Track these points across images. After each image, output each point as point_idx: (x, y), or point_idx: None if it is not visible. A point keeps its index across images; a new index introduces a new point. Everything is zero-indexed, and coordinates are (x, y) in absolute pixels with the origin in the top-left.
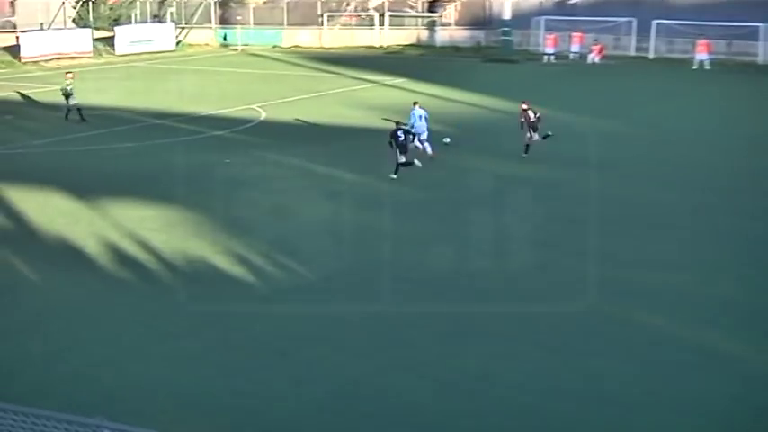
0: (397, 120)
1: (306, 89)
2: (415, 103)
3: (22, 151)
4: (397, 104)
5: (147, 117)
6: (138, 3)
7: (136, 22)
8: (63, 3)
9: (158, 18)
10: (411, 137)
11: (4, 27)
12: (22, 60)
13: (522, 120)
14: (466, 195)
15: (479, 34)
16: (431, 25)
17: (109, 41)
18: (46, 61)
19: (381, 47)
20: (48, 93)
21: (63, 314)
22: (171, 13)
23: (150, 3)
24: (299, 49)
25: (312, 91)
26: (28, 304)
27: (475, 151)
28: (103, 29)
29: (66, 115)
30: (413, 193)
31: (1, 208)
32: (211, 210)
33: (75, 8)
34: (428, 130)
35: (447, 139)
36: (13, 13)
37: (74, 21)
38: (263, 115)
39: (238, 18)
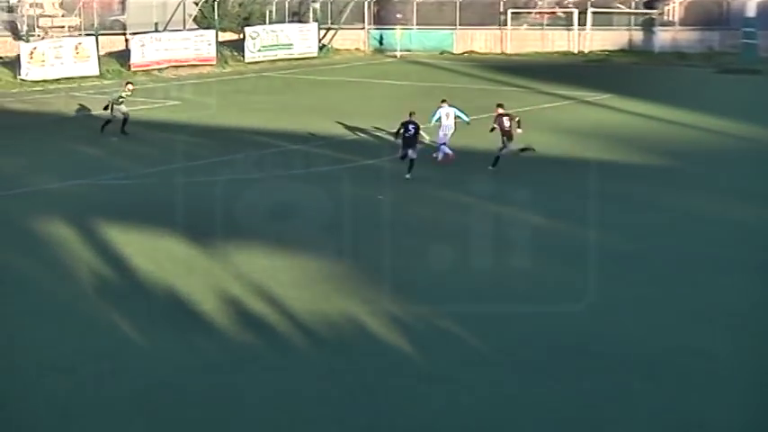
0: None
1: (481, 107)
2: (443, 101)
3: (126, 181)
4: (599, 127)
5: (281, 141)
6: None
7: (270, 22)
8: None
9: (299, 17)
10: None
11: (111, 27)
12: (132, 69)
13: (495, 126)
14: (697, 248)
15: (712, 36)
16: (647, 25)
17: (236, 46)
18: (159, 70)
19: (581, 53)
20: (158, 110)
21: (174, 388)
22: (314, 10)
23: None
24: (475, 56)
25: (489, 109)
26: (132, 375)
27: (705, 189)
28: (230, 30)
29: (103, 127)
30: (622, 243)
31: (100, 251)
32: (360, 259)
33: (197, 4)
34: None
35: (380, 197)
36: (123, 10)
37: (195, 20)
38: (426, 139)
39: (398, 17)
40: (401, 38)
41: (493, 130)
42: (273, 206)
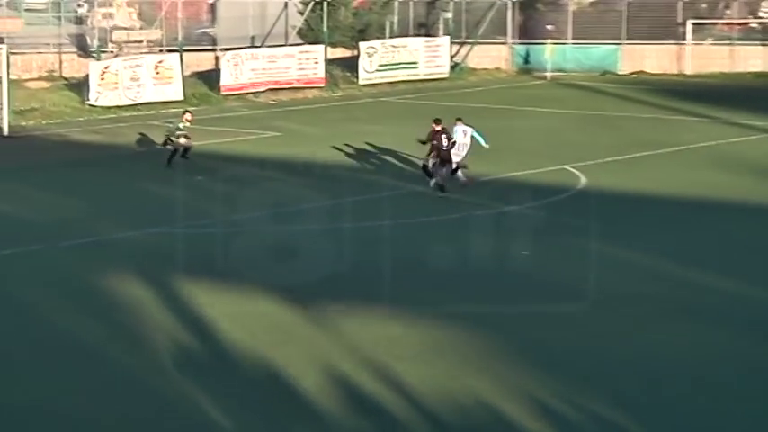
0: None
1: (653, 141)
2: (458, 120)
3: (212, 230)
4: None
5: (402, 180)
6: (396, 4)
7: (391, 36)
8: (285, 5)
9: (426, 29)
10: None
11: (199, 42)
12: (222, 92)
13: (434, 142)
14: None
15: None
16: None
17: (348, 64)
18: (255, 94)
19: None
20: (253, 142)
21: None
22: (446, 21)
23: (415, 3)
24: (645, 78)
25: (663, 144)
26: None
27: None
28: (342, 45)
29: (170, 160)
30: None
31: (180, 314)
32: (493, 328)
33: (302, 14)
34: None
35: (524, 252)
36: (213, 21)
37: (299, 33)
38: (581, 181)
39: (549, 29)
40: (552, 55)
41: (432, 150)
42: (391, 262)
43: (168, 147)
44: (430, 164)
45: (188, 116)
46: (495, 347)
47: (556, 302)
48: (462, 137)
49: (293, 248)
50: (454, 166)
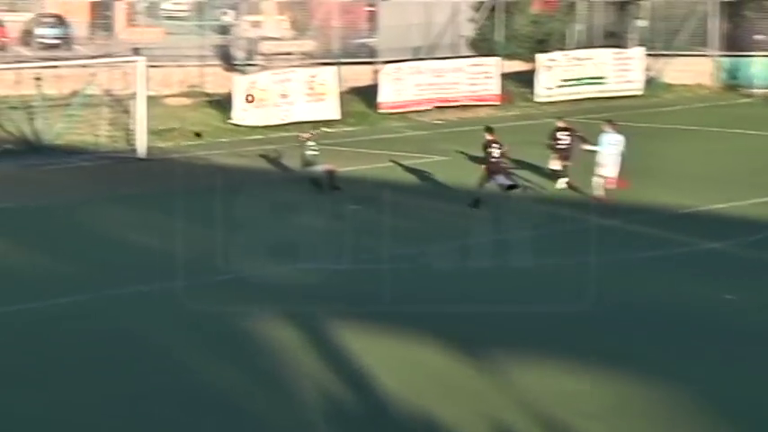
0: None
1: None
2: (609, 123)
3: (368, 266)
4: None
5: (581, 211)
6: (581, 10)
7: (575, 47)
8: (454, 12)
9: (616, 38)
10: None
11: (356, 54)
12: (381, 110)
13: (490, 151)
14: None
15: None
16: None
17: (525, 79)
18: (419, 113)
19: None
20: (417, 168)
21: None
22: (639, 29)
23: (604, 9)
24: None
25: None
26: None
27: None
28: (518, 57)
29: (320, 184)
30: None
31: (330, 361)
32: (702, 384)
33: (473, 21)
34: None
35: (729, 296)
36: (373, 31)
37: (470, 44)
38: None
39: (758, 39)
40: (763, 69)
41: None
42: (575, 305)
43: (311, 172)
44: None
45: (306, 136)
46: (702, 406)
47: (760, 350)
48: (608, 146)
49: (461, 288)
50: (505, 180)
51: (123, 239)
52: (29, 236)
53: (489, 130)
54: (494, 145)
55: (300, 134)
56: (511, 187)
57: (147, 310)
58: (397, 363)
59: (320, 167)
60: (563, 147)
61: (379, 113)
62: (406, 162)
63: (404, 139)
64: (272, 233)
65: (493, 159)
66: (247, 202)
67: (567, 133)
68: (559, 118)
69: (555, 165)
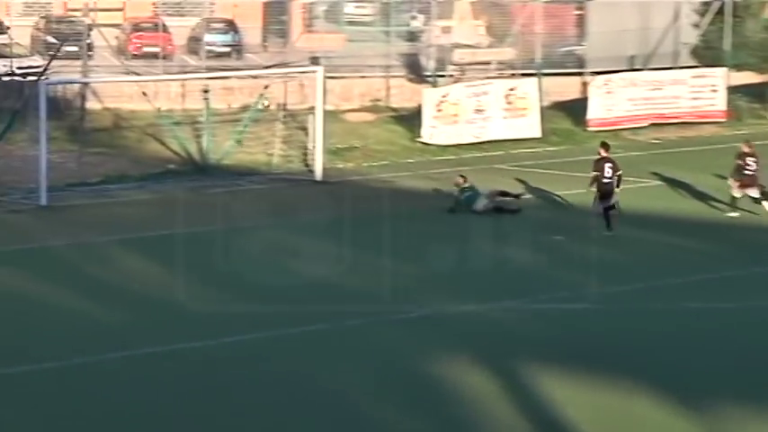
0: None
1: None
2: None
3: (574, 306)
4: None
5: None
6: None
7: None
8: (676, 16)
9: None
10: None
11: (562, 64)
12: (590, 127)
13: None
14: None
15: None
16: None
17: (757, 92)
18: (633, 131)
19: None
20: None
21: None
22: None
23: None
24: None
25: None
26: None
27: None
28: (749, 68)
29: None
30: None
31: (534, 411)
32: None
33: (697, 27)
34: None
35: None
36: (581, 38)
37: (693, 53)
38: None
39: None
40: None
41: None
42: None
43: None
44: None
45: (460, 180)
46: None
47: None
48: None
49: (680, 331)
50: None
51: (298, 271)
52: (195, 266)
53: (605, 145)
54: (749, 158)
55: (457, 178)
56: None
57: (323, 348)
58: (604, 415)
59: (486, 194)
60: (749, 173)
61: (587, 131)
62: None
63: (618, 160)
64: (465, 265)
65: (748, 173)
66: (436, 231)
67: (753, 159)
68: (746, 141)
69: (736, 192)
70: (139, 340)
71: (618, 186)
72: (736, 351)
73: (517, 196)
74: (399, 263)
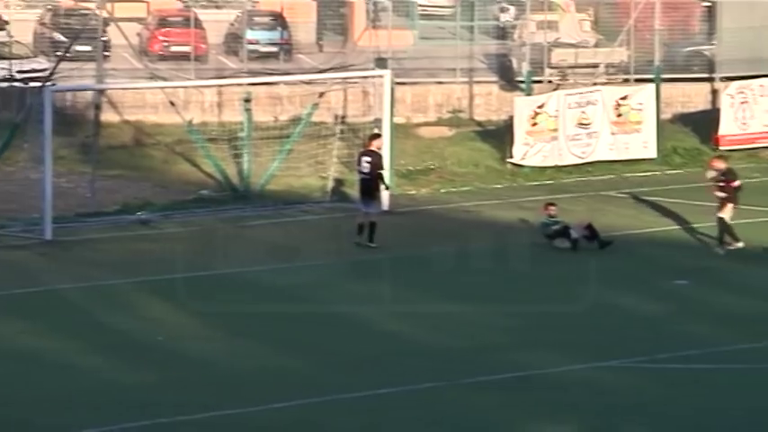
0: None
1: None
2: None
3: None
4: None
5: None
6: None
7: None
8: None
9: None
10: None
11: (686, 67)
12: (720, 145)
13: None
14: None
15: None
16: None
17: None
18: None
19: None
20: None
21: None
22: None
23: None
24: None
25: None
26: None
27: None
28: None
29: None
30: None
31: None
32: None
33: None
34: None
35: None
36: (710, 35)
37: None
38: None
39: None
40: None
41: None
42: None
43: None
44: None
45: (552, 209)
46: None
47: None
48: None
49: None
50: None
51: (361, 323)
52: (233, 314)
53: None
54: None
55: (548, 207)
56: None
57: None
58: None
59: (575, 229)
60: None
61: (718, 151)
62: (756, 219)
63: (753, 186)
64: (561, 316)
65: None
66: (534, 273)
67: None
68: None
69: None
70: (166, 405)
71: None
72: None
73: (605, 244)
74: (482, 309)
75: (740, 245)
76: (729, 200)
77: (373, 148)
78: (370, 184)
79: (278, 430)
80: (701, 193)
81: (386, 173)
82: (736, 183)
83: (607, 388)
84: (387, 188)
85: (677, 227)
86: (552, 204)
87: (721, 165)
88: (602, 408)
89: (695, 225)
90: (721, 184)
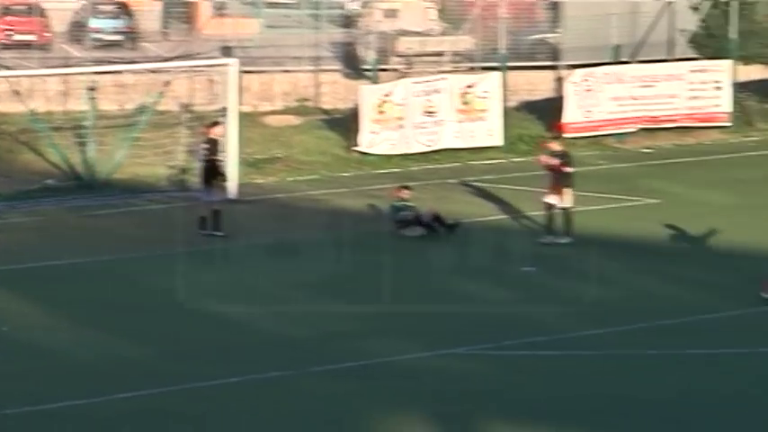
0: None
1: None
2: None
3: (552, 353)
4: None
5: None
6: None
7: None
8: None
9: None
10: None
11: (531, 55)
12: (566, 133)
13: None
14: None
15: None
16: None
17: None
18: (619, 137)
19: None
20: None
21: None
22: None
23: None
24: None
25: None
26: None
27: None
28: (761, 60)
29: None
30: None
31: None
32: None
33: (696, 10)
34: None
35: None
36: (554, 24)
37: (692, 42)
38: None
39: None
40: None
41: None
42: None
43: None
44: None
45: (405, 193)
46: None
47: None
48: None
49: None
50: None
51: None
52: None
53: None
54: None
55: (401, 190)
56: None
57: (241, 402)
58: None
59: (424, 216)
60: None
61: (563, 138)
62: (600, 206)
63: (597, 173)
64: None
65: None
66: (379, 261)
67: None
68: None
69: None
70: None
71: None
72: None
73: (452, 227)
74: (329, 298)
75: (565, 240)
76: (567, 185)
77: (212, 135)
78: (209, 171)
79: (123, 420)
80: (546, 179)
81: (226, 161)
82: (570, 168)
83: (457, 375)
84: (223, 179)
85: (524, 214)
86: (407, 188)
87: (557, 147)
88: (455, 395)
89: (542, 212)
90: (556, 167)
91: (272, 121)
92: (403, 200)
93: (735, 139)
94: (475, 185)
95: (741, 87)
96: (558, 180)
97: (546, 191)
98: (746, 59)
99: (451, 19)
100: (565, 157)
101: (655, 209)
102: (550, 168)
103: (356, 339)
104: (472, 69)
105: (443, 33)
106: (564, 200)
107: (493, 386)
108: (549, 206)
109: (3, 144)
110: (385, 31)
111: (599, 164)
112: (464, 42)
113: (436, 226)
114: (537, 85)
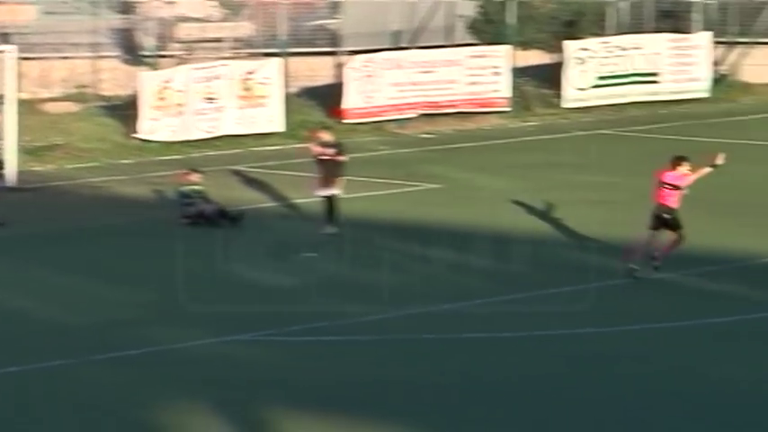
0: None
1: None
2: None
3: (329, 338)
4: None
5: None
6: None
7: (617, 31)
8: None
9: (674, 20)
10: None
11: (312, 42)
12: (346, 119)
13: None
14: None
15: None
16: None
17: (548, 77)
18: (400, 122)
19: None
20: (400, 198)
21: None
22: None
23: None
24: None
25: None
26: None
27: None
28: (538, 47)
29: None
30: None
31: None
32: None
33: None
34: None
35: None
36: (334, 10)
37: (471, 28)
38: None
39: None
40: None
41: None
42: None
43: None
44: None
45: (195, 177)
46: None
47: None
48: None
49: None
50: None
51: None
52: None
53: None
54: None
55: (190, 173)
56: None
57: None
58: None
59: (210, 208)
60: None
61: (343, 124)
62: (381, 191)
63: (378, 158)
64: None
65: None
66: (154, 247)
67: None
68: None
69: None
70: None
71: None
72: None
73: (236, 219)
74: (111, 287)
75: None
76: (339, 174)
77: None
78: None
79: None
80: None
81: (4, 149)
82: (344, 157)
83: (242, 361)
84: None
85: (305, 199)
86: (197, 171)
87: (328, 136)
88: (242, 382)
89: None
90: (328, 157)
91: (51, 108)
92: (192, 183)
93: (514, 124)
94: (256, 172)
95: (519, 72)
96: (331, 170)
97: (318, 183)
98: (524, 45)
99: (231, 5)
100: (338, 147)
101: (435, 194)
102: (323, 159)
103: (140, 327)
104: (252, 56)
105: (223, 19)
106: (335, 188)
107: (278, 372)
108: (326, 197)
109: None
110: (164, 17)
111: (380, 149)
112: (244, 28)
113: (221, 221)
114: (318, 71)
